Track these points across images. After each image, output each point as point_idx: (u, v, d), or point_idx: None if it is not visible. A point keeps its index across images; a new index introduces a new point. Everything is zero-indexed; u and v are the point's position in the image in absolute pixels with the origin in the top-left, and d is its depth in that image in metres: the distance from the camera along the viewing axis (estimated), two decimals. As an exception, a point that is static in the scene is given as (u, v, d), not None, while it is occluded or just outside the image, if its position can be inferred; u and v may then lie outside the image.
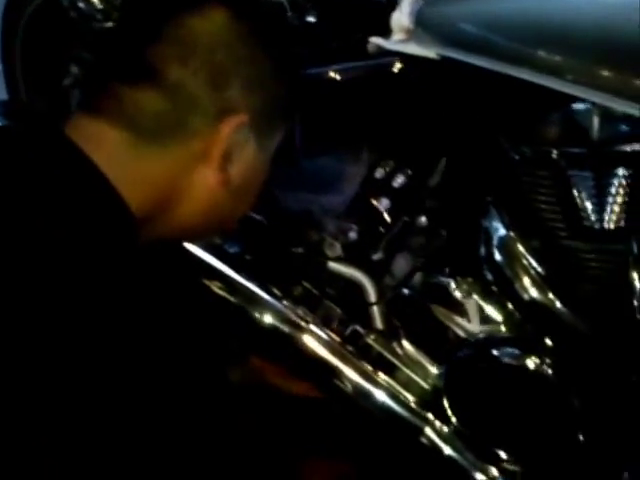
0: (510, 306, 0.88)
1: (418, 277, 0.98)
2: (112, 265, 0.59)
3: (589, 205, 0.78)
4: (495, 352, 0.88)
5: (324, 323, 1.02)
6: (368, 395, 0.97)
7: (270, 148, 0.70)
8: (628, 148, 0.73)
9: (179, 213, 0.66)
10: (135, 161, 0.63)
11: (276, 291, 1.04)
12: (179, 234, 0.72)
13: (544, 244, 0.83)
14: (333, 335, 1.01)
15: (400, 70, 0.89)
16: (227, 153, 0.64)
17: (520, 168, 0.81)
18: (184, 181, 0.64)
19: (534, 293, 0.84)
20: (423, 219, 0.97)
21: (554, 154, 0.77)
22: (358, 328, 1.02)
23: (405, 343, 1.00)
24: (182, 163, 0.64)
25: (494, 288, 0.89)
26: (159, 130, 0.62)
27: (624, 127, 0.74)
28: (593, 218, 0.79)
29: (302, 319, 1.02)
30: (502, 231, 0.86)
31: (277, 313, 1.02)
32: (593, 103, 0.75)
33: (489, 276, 0.89)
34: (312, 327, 1.01)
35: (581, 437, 0.85)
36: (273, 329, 1.02)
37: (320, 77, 0.94)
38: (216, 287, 1.04)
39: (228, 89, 0.63)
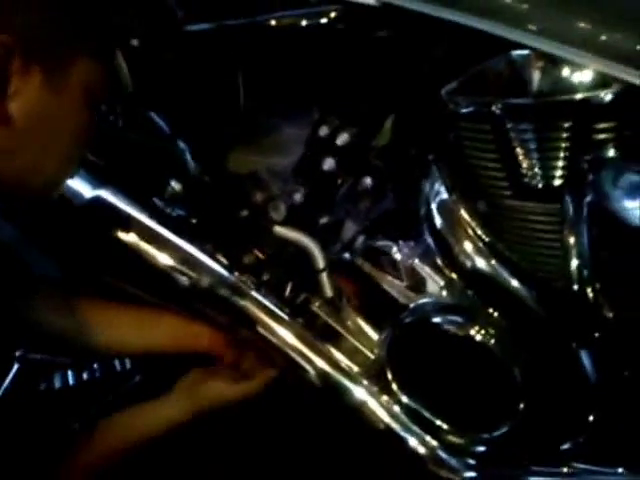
0: (452, 273, 0.83)
1: (362, 241, 0.93)
2: None
3: (532, 161, 0.73)
4: (436, 319, 0.83)
5: (271, 291, 0.98)
6: (311, 364, 0.93)
7: (68, 89, 0.63)
8: (571, 98, 0.68)
9: None
10: None
11: (221, 257, 0.99)
12: None
13: (486, 205, 0.78)
14: (280, 304, 0.97)
15: (340, 18, 0.83)
16: None
17: (459, 123, 0.75)
18: None
19: (476, 259, 0.80)
20: (368, 180, 0.92)
21: (494, 107, 0.72)
22: (304, 298, 0.98)
23: (350, 311, 0.96)
24: None
25: (435, 254, 0.84)
26: None
27: (566, 76, 0.68)
28: (536, 175, 0.73)
29: (247, 285, 0.98)
30: (443, 193, 0.81)
31: (222, 280, 0.98)
32: (534, 51, 0.69)
33: (430, 241, 0.84)
34: (255, 294, 0.97)
35: (522, 409, 0.81)
36: (218, 295, 0.98)
37: (259, 26, 0.89)
38: (157, 251, 0.99)
39: None
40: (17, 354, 1.17)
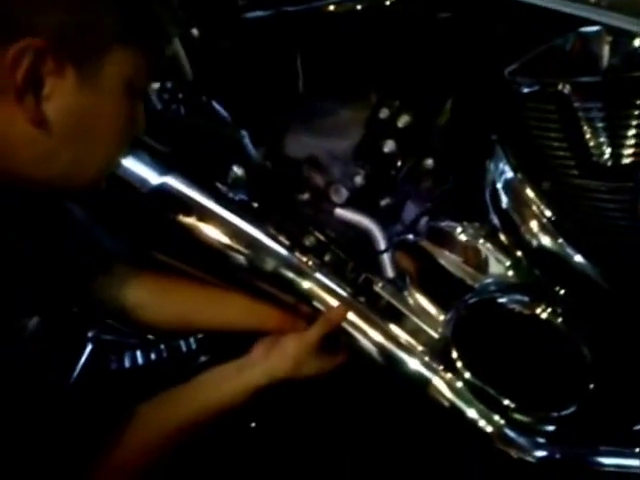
0: (518, 252, 0.83)
1: (424, 222, 0.94)
2: None
3: (601, 140, 0.72)
4: (503, 299, 0.84)
5: (333, 271, 1.00)
6: (376, 345, 0.94)
7: (106, 84, 0.62)
8: (642, 75, 0.66)
9: (11, 166, 0.61)
10: None
11: (283, 239, 1.01)
12: (32, 186, 0.65)
13: (552, 185, 0.77)
14: (342, 284, 0.98)
15: (400, 1, 0.83)
16: (28, 85, 0.57)
17: (525, 103, 0.75)
18: (3, 119, 0.59)
19: (542, 238, 0.79)
20: (430, 161, 0.92)
21: (561, 86, 0.71)
22: (367, 279, 0.99)
23: (413, 291, 0.97)
24: None
25: (501, 234, 0.84)
26: None
27: (638, 51, 0.67)
28: (605, 154, 0.72)
29: (310, 267, 0.99)
30: (508, 173, 0.81)
31: (285, 261, 1.00)
32: (604, 26, 0.68)
33: (495, 221, 0.84)
34: (319, 276, 0.99)
35: (591, 388, 0.81)
36: (281, 277, 1.00)
37: (317, 11, 0.89)
38: (222, 235, 1.02)
39: (12, 9, 0.56)
40: (90, 335, 1.21)
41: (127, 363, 1.26)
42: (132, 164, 1.03)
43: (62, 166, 0.64)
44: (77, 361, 1.20)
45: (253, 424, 1.08)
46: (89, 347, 1.22)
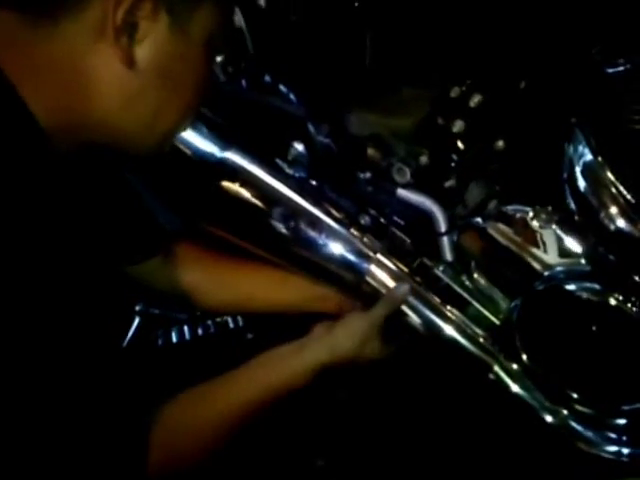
0: (593, 238, 0.80)
1: (492, 206, 0.91)
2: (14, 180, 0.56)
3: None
4: (573, 286, 0.81)
5: (392, 252, 0.98)
6: (436, 329, 0.93)
7: (193, 34, 0.63)
8: None
9: (92, 109, 0.62)
10: (28, 46, 0.58)
11: (343, 218, 1.00)
12: (106, 139, 0.66)
13: (636, 169, 0.74)
14: (400, 265, 0.97)
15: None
16: (125, 25, 0.58)
17: (613, 84, 0.72)
18: (86, 63, 0.60)
19: (622, 223, 0.77)
20: (500, 143, 0.90)
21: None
22: (425, 260, 0.97)
23: (476, 276, 0.95)
24: (79, 41, 0.59)
25: (576, 218, 0.81)
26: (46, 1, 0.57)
27: None
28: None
29: (368, 247, 0.98)
30: (588, 156, 0.78)
31: (343, 241, 0.98)
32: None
33: (572, 205, 0.81)
34: (379, 256, 0.97)
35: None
36: (339, 257, 0.99)
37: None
38: (280, 213, 1.01)
39: None
40: (138, 309, 1.22)
41: (174, 338, 1.26)
42: (192, 138, 1.02)
43: (143, 113, 0.64)
44: (124, 335, 1.20)
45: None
46: (136, 321, 1.23)
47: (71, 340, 0.62)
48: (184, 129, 0.77)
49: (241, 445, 0.76)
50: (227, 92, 1.06)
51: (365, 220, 1.01)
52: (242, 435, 0.75)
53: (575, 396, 0.85)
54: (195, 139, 1.02)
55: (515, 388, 0.88)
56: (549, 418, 0.86)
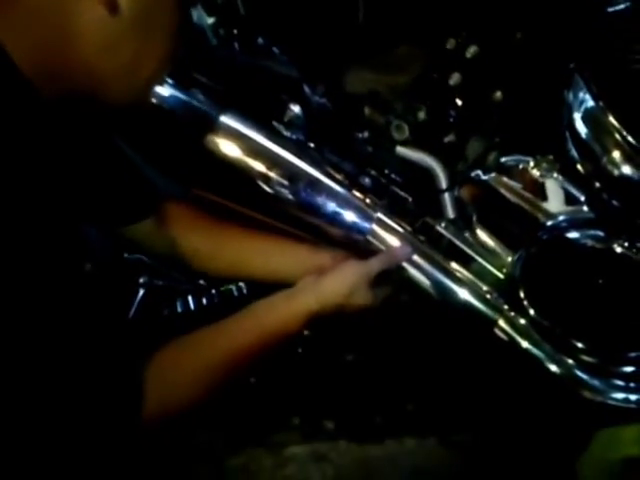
0: (597, 185, 0.79)
1: (493, 158, 0.90)
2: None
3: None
4: (577, 235, 0.80)
5: (393, 211, 0.97)
6: (441, 287, 0.92)
7: None
8: None
9: (75, 55, 0.62)
10: None
11: (342, 179, 0.99)
12: (89, 86, 0.66)
13: (638, 113, 0.73)
14: (403, 224, 0.96)
15: None
16: None
17: (613, 26, 0.70)
18: (69, 9, 0.60)
19: (625, 168, 0.76)
20: (498, 94, 0.88)
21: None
22: (428, 219, 0.96)
23: (479, 231, 0.94)
24: None
25: (578, 165, 0.80)
26: None
27: None
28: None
29: (370, 207, 0.97)
30: (589, 102, 0.77)
31: (344, 201, 0.98)
32: None
33: (573, 152, 0.80)
34: (380, 216, 0.96)
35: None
36: (340, 218, 0.98)
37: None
38: (278, 175, 1.00)
39: None
40: (142, 280, 1.21)
41: (179, 308, 1.26)
42: (187, 103, 1.01)
43: (124, 59, 0.65)
44: (130, 307, 1.20)
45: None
46: (141, 292, 1.22)
47: (66, 288, 0.63)
48: (161, 81, 0.77)
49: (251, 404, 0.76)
50: (220, 56, 1.05)
51: (365, 180, 1.00)
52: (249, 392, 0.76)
53: (581, 346, 0.85)
54: (190, 104, 1.01)
55: (521, 341, 0.88)
56: (555, 368, 0.86)
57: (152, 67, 0.68)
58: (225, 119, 1.00)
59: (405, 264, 0.93)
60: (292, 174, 0.99)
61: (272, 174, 0.99)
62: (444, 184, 0.95)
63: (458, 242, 0.95)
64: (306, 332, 0.92)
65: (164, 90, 1.00)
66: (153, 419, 0.68)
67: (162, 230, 0.94)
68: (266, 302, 0.83)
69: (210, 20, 1.02)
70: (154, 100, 1.00)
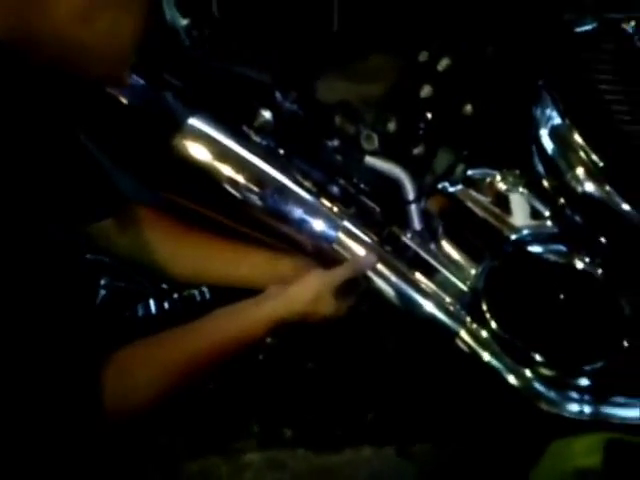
0: (561, 200, 0.81)
1: (460, 170, 0.91)
2: None
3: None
4: (540, 249, 0.82)
5: (360, 220, 0.98)
6: (404, 297, 0.93)
7: None
8: None
9: (50, 22, 0.63)
10: None
11: (310, 186, 0.99)
12: (68, 54, 0.67)
13: (604, 131, 0.75)
14: (369, 233, 0.96)
15: None
16: None
17: (581, 43, 0.72)
18: None
19: (589, 185, 0.77)
20: (468, 107, 0.90)
21: (625, 24, 0.68)
22: (394, 229, 0.97)
23: (444, 243, 0.95)
24: None
25: (543, 181, 0.82)
26: None
27: None
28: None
29: (337, 215, 0.97)
30: (556, 119, 0.78)
31: (311, 209, 0.98)
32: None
33: (539, 168, 0.82)
34: (346, 224, 0.96)
35: (628, 341, 0.79)
36: (305, 223, 0.98)
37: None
38: (246, 180, 0.99)
39: None
40: (103, 282, 1.19)
41: (140, 312, 1.24)
42: (157, 104, 1.00)
43: (101, 29, 0.66)
44: (91, 307, 1.18)
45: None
46: (101, 294, 1.20)
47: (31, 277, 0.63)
48: (135, 57, 0.77)
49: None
50: (193, 58, 1.04)
51: (333, 189, 1.00)
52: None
53: (539, 358, 0.86)
54: (160, 105, 1.00)
55: (482, 353, 0.89)
56: (514, 380, 0.87)
57: (128, 39, 0.69)
58: (194, 121, 0.99)
59: (369, 273, 0.93)
60: (260, 180, 0.99)
61: (240, 179, 0.99)
62: (411, 195, 0.96)
63: (423, 253, 0.95)
64: (268, 340, 0.93)
65: (134, 90, 0.99)
66: (109, 419, 0.67)
67: (125, 232, 0.93)
68: (231, 308, 0.83)
69: (184, 21, 1.02)
70: (124, 100, 0.99)
